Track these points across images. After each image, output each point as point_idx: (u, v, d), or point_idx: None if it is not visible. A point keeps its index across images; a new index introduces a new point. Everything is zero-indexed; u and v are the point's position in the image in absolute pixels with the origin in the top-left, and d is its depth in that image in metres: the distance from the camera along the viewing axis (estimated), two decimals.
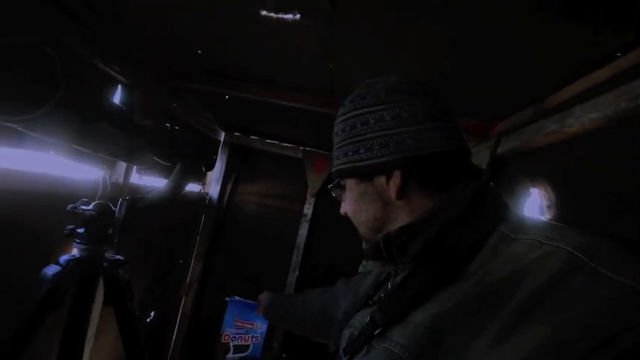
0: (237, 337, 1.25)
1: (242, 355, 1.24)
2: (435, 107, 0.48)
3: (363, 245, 0.55)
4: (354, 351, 0.47)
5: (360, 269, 0.62)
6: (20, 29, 0.74)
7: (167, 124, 0.72)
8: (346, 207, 0.55)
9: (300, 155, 1.90)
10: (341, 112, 0.53)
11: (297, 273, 1.91)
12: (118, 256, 0.73)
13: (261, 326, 1.28)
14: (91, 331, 1.19)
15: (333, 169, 0.54)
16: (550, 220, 0.82)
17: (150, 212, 0.69)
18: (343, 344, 0.53)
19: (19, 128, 0.44)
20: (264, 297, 1.03)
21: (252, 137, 1.96)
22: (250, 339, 1.26)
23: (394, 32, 0.72)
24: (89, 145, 0.57)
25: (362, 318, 0.53)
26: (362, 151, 0.48)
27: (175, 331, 1.90)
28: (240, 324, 1.25)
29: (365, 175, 0.49)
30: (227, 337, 1.24)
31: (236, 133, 1.97)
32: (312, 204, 1.92)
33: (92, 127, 0.54)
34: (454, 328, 0.37)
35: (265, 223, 1.98)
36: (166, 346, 1.88)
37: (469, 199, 0.44)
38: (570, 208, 0.79)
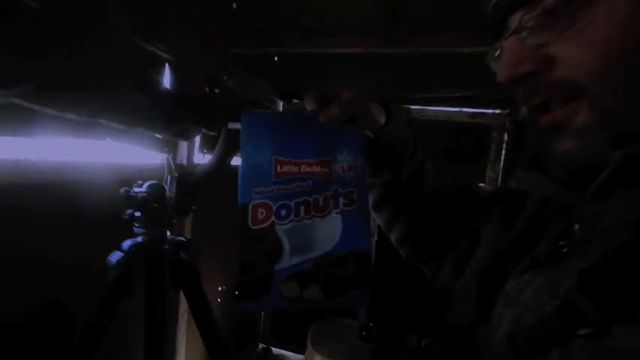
0: (291, 206, 0.40)
1: (316, 252, 0.39)
2: None
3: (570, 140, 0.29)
4: (531, 351, 0.29)
5: (513, 186, 0.43)
6: None
7: (206, 89, 0.63)
8: (579, 59, 0.27)
9: None
10: None
11: (377, 238, 1.80)
12: (179, 238, 0.69)
13: (351, 164, 0.42)
14: (183, 307, 1.25)
15: None
16: None
17: (200, 186, 0.63)
18: (504, 329, 0.34)
19: (34, 104, 0.38)
20: (346, 91, 0.43)
21: None
22: (329, 205, 0.41)
23: None
24: (116, 116, 0.50)
25: (536, 292, 0.33)
26: None
27: None
28: (292, 167, 0.41)
29: None
30: (264, 212, 0.39)
31: (294, 101, 1.87)
32: None
33: (112, 94, 0.46)
34: None
35: None
36: (257, 316, 1.97)
37: None
38: None
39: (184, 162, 1.17)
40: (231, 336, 1.71)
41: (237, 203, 0.39)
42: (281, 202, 0.39)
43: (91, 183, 0.85)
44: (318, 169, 0.41)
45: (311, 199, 0.40)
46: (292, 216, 0.39)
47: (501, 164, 1.65)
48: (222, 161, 0.61)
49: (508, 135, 1.63)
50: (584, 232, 0.32)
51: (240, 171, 0.40)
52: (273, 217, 0.39)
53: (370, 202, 0.55)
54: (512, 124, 1.60)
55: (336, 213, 0.40)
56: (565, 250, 0.33)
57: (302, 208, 0.40)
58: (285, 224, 0.39)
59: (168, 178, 0.64)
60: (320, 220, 0.40)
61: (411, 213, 0.55)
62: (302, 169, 0.41)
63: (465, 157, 1.79)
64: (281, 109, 1.87)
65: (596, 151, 0.28)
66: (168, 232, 0.70)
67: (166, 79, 1.02)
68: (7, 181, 0.67)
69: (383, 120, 0.49)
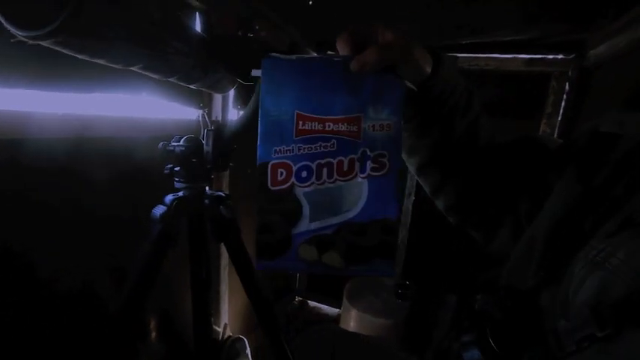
0: (312, 167, 0.37)
1: (339, 219, 0.37)
2: None
3: None
4: (624, 320, 0.26)
5: (606, 129, 0.36)
6: None
7: (239, 32, 0.58)
8: None
9: None
10: None
11: (414, 198, 1.74)
12: (219, 193, 0.68)
13: (383, 122, 0.37)
14: (224, 260, 1.30)
15: None
16: None
17: (236, 139, 0.60)
18: (585, 295, 0.30)
19: (50, 45, 0.35)
20: (377, 29, 0.38)
21: None
22: (355, 168, 0.37)
23: None
24: (150, 64, 0.47)
25: (630, 256, 0.28)
26: None
27: None
28: (315, 124, 0.36)
29: None
30: (284, 173, 0.37)
31: (329, 52, 1.76)
32: None
33: (146, 42, 0.42)
34: None
35: None
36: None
37: None
38: None
39: (219, 118, 1.15)
40: (270, 287, 1.79)
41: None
42: (302, 163, 0.37)
43: (127, 138, 0.86)
44: (344, 127, 0.37)
45: (335, 161, 0.37)
46: (313, 178, 0.37)
47: (559, 118, 1.49)
48: (257, 113, 0.57)
49: (570, 84, 1.44)
50: None
51: (259, 126, 0.37)
52: (293, 179, 0.37)
53: (414, 166, 0.50)
54: (577, 71, 1.41)
55: (362, 178, 0.37)
56: None
57: (324, 170, 0.37)
58: (305, 187, 0.37)
59: (205, 132, 0.61)
60: (344, 184, 0.37)
61: (463, 176, 0.48)
62: (326, 127, 0.37)
63: (514, 110, 1.63)
64: None
65: None
66: (207, 188, 0.69)
67: (198, 28, 0.97)
68: (42, 135, 0.68)
69: (429, 68, 0.41)
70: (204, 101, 1.06)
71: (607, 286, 0.28)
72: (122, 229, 0.81)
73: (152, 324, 1.05)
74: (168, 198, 0.64)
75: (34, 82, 0.63)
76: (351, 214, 0.38)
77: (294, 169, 0.37)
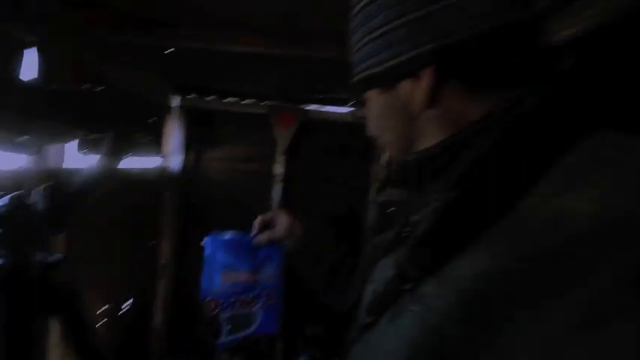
0: (230, 302, 0.62)
1: (244, 333, 0.63)
2: None
3: (386, 167, 0.45)
4: (378, 311, 0.36)
5: (379, 199, 0.52)
6: None
7: (88, 85, 0.56)
8: (370, 127, 0.43)
9: (264, 111, 1.74)
10: None
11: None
12: (52, 257, 0.59)
13: (271, 275, 0.65)
14: (54, 338, 1.06)
15: (353, 80, 0.41)
16: None
17: (83, 197, 0.55)
18: (364, 302, 0.44)
19: None
20: (278, 216, 0.67)
21: (209, 98, 1.76)
22: (254, 302, 0.63)
23: None
24: None
25: (385, 269, 0.41)
26: (382, 51, 0.35)
27: (158, 316, 1.80)
28: (232, 277, 0.63)
29: (385, 82, 0.37)
30: (213, 305, 0.62)
31: (191, 96, 1.75)
32: (284, 162, 1.77)
33: None
34: (508, 295, 0.26)
35: (236, 189, 1.82)
36: (149, 333, 1.79)
37: (545, 102, 0.31)
38: None
39: (58, 165, 0.98)
40: (122, 354, 1.53)
41: (201, 297, 0.62)
42: (224, 299, 0.62)
43: None
44: (250, 278, 0.63)
45: (242, 298, 0.62)
46: (230, 309, 0.62)
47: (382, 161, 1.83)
48: (110, 169, 0.54)
49: None
50: (419, 220, 0.40)
51: (203, 275, 0.62)
52: (219, 310, 0.61)
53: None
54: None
55: (258, 307, 0.63)
56: (405, 235, 0.42)
57: (237, 303, 0.62)
58: (227, 313, 0.61)
59: (37, 187, 0.54)
60: (248, 310, 0.63)
61: None
62: (239, 279, 0.63)
63: (356, 153, 1.88)
64: (178, 103, 1.74)
65: (392, 173, 0.44)
66: (36, 252, 0.59)
67: (33, 70, 0.84)
68: None
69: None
70: (35, 146, 0.90)
71: (371, 294, 0.42)
72: None
73: None
74: None
75: None
76: (250, 330, 0.63)
77: (220, 302, 0.61)
